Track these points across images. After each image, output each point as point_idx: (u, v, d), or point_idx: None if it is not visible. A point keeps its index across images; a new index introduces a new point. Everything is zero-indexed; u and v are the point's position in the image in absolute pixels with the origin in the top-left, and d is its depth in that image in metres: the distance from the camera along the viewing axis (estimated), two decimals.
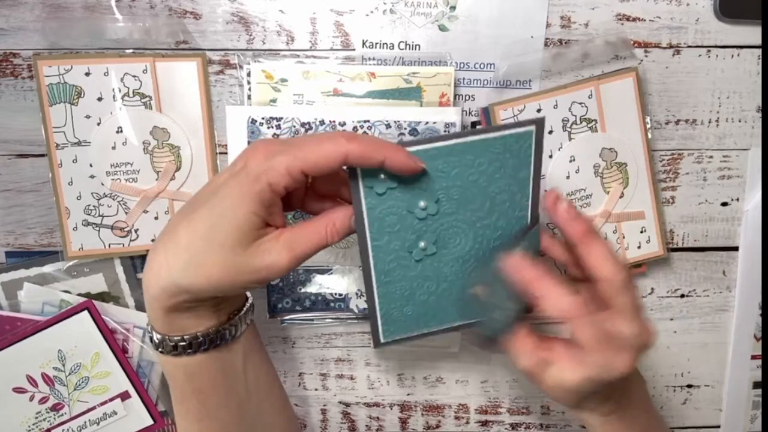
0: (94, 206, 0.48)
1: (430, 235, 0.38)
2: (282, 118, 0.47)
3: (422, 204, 0.37)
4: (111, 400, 0.50)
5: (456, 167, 0.36)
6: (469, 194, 0.37)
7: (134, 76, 0.47)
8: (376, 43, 0.48)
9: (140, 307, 0.50)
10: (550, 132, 0.49)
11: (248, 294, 0.40)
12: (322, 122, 0.47)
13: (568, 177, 0.50)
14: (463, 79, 0.49)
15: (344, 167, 0.34)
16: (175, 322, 0.35)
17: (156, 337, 0.35)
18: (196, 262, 0.32)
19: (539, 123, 0.37)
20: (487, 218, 0.39)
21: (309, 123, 0.47)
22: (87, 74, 0.47)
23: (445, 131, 0.47)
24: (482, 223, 0.39)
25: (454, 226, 0.38)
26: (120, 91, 0.47)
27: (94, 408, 0.50)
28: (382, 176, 0.35)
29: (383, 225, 0.37)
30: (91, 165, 0.48)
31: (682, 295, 0.54)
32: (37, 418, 0.49)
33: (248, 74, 0.47)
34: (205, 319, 0.36)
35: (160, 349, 0.35)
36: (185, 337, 0.35)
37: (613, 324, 0.36)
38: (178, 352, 0.35)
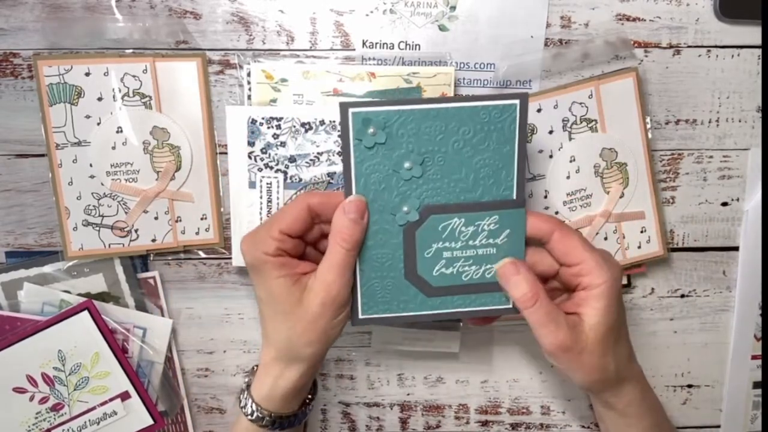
0: (94, 206, 0.48)
1: (413, 201, 0.39)
2: (282, 118, 0.47)
3: (408, 164, 0.38)
4: (111, 400, 0.50)
5: (441, 132, 0.38)
6: (453, 162, 0.39)
7: (134, 76, 0.47)
8: (376, 43, 0.48)
9: (140, 307, 0.50)
10: (551, 132, 0.49)
11: (317, 386, 0.47)
12: (322, 122, 0.47)
13: (568, 177, 0.50)
14: (463, 79, 0.49)
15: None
16: (285, 404, 0.42)
17: (261, 412, 0.42)
18: (297, 341, 0.40)
19: (523, 98, 0.38)
20: (471, 191, 0.39)
21: (309, 123, 0.47)
22: (87, 74, 0.47)
23: None
24: (466, 196, 0.39)
25: (437, 195, 0.39)
26: (120, 91, 0.47)
27: (94, 408, 0.49)
28: (371, 130, 0.37)
29: (369, 182, 0.39)
30: (91, 165, 0.48)
31: (682, 295, 0.54)
32: (37, 418, 0.49)
33: (248, 74, 0.47)
34: (295, 403, 0.44)
35: (257, 422, 0.42)
36: (283, 414, 0.43)
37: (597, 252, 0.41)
38: (273, 427, 0.43)
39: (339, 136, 0.38)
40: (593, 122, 0.49)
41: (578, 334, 0.39)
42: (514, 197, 0.40)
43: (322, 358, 0.42)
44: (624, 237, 0.51)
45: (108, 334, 0.49)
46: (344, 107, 0.37)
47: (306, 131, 0.47)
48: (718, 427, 0.56)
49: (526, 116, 0.38)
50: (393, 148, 0.38)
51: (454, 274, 0.41)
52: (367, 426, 0.56)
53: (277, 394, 0.42)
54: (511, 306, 0.41)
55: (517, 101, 0.38)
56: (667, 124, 0.51)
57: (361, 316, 0.41)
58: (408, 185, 0.39)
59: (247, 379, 0.44)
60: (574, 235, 0.40)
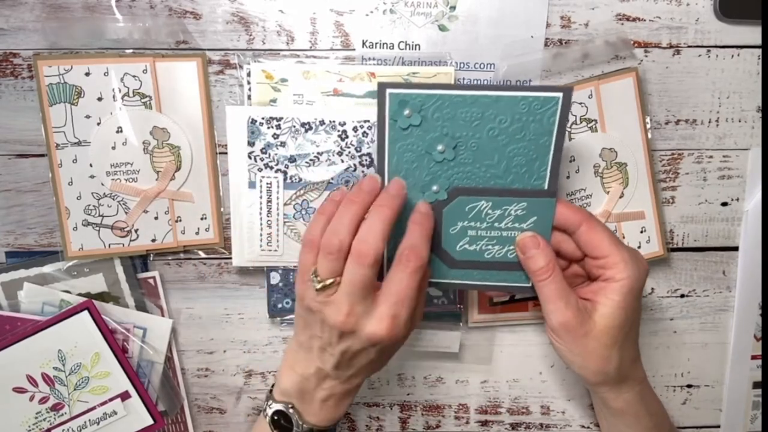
0: (94, 206, 0.48)
1: (443, 181, 0.40)
2: (282, 118, 0.47)
3: (440, 147, 0.39)
4: (111, 400, 0.50)
5: (478, 119, 0.38)
6: (486, 149, 0.39)
7: (134, 76, 0.47)
8: (376, 43, 0.48)
9: (140, 307, 0.50)
10: None
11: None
12: (322, 122, 0.47)
13: (568, 177, 0.50)
14: (463, 79, 0.49)
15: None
16: (331, 415, 0.42)
17: (305, 425, 0.41)
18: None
19: (567, 91, 0.38)
20: (501, 178, 0.40)
21: (309, 123, 0.47)
22: (87, 74, 0.47)
23: None
24: (496, 182, 0.40)
25: (468, 179, 0.40)
26: (120, 91, 0.47)
27: (94, 408, 0.50)
28: (407, 112, 0.38)
29: (401, 160, 0.39)
30: (91, 165, 0.48)
31: (682, 295, 0.54)
32: (37, 418, 0.49)
33: (248, 74, 0.47)
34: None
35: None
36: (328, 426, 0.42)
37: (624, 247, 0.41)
38: None
39: (376, 115, 0.39)
40: (593, 122, 0.49)
41: (586, 318, 0.39)
42: (546, 187, 0.40)
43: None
44: (624, 237, 0.51)
45: (108, 334, 0.49)
46: (382, 87, 0.38)
47: (306, 131, 0.47)
48: (718, 427, 0.57)
49: (568, 110, 0.38)
50: (427, 131, 0.39)
51: (477, 251, 0.42)
52: (367, 426, 0.56)
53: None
54: (530, 285, 0.42)
55: (560, 94, 0.38)
56: (667, 124, 0.51)
57: None
58: (439, 166, 0.40)
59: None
60: (602, 229, 0.40)
